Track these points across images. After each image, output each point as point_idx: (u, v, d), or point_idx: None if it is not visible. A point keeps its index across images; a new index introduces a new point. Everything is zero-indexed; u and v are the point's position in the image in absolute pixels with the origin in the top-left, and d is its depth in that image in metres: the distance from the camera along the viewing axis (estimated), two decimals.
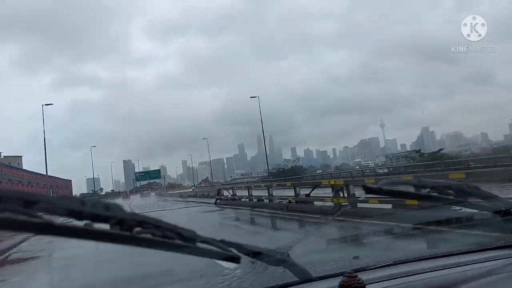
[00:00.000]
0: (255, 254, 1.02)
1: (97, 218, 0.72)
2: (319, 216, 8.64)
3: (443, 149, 52.24)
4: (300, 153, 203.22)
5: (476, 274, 1.02)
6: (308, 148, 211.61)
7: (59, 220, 0.69)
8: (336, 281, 0.96)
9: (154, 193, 76.25)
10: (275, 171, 74.22)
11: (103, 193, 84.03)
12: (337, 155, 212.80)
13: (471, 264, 1.11)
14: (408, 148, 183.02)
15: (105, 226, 0.71)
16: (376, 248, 2.55)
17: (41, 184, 28.76)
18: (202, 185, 68.29)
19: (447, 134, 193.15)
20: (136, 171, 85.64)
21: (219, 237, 0.95)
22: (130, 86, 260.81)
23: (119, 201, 41.47)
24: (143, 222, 0.77)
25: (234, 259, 0.94)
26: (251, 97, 53.13)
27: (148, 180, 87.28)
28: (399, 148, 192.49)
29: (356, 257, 1.19)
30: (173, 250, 0.86)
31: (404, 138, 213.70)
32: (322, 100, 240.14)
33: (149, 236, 0.77)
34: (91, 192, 75.11)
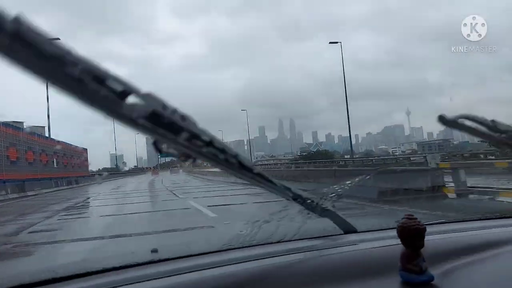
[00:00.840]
0: (303, 199, 1.02)
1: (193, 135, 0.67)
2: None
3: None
4: (322, 137, 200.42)
5: None
6: (330, 133, 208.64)
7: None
8: (387, 232, 1.00)
9: (181, 170, 76.27)
10: (304, 153, 71.81)
11: (126, 168, 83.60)
12: (360, 141, 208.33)
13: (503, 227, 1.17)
14: (435, 136, 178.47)
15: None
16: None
17: (60, 152, 28.65)
18: None
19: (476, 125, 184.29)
20: None
21: None
22: (154, 64, 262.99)
23: (146, 177, 42.11)
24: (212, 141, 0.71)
25: (287, 197, 0.96)
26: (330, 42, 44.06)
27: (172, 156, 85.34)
28: (425, 136, 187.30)
29: (397, 221, 1.04)
30: (227, 168, 0.81)
31: (431, 127, 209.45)
32: (347, 85, 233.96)
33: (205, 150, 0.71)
34: (114, 167, 74.67)
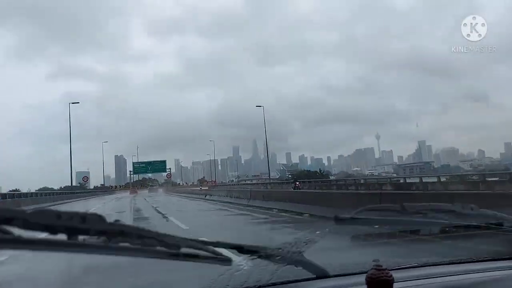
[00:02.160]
0: (261, 254, 1.00)
1: (74, 231, 0.73)
2: None
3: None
4: (295, 159, 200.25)
5: (493, 281, 1.05)
6: (303, 154, 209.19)
7: (41, 235, 0.71)
8: (357, 278, 0.97)
9: (161, 189, 68.31)
10: (294, 173, 68.42)
11: (91, 186, 74.89)
12: (332, 163, 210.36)
13: (490, 271, 1.13)
14: (405, 159, 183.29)
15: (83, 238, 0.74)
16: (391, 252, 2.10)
17: None
18: (208, 184, 62.18)
19: (442, 149, 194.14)
20: (134, 161, 73.64)
21: None
22: (126, 82, 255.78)
23: (121, 200, 33.11)
24: (123, 231, 0.78)
25: (225, 261, 0.93)
26: (257, 106, 50.25)
27: (149, 173, 74.28)
28: (395, 160, 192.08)
29: (375, 260, 1.09)
30: (155, 257, 0.87)
31: (400, 151, 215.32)
32: (318, 109, 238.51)
33: (127, 245, 0.79)
34: (77, 185, 67.06)
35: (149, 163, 72.58)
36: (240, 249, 0.97)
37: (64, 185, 60.84)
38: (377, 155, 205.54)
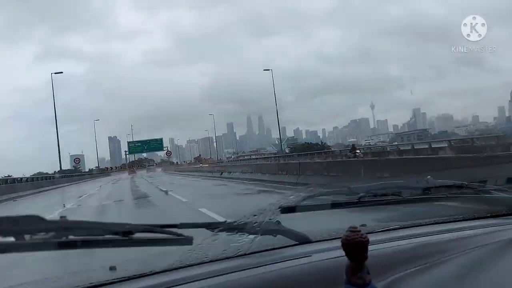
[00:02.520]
0: (234, 225, 1.02)
1: (7, 234, 0.77)
2: None
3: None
4: (290, 133, 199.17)
5: (469, 242, 1.07)
6: (298, 127, 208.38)
7: None
8: (337, 242, 0.95)
9: (160, 169, 65.73)
10: (291, 147, 67.26)
11: (86, 169, 72.61)
12: (327, 135, 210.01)
13: (467, 230, 1.16)
14: (400, 128, 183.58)
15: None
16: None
17: None
18: (208, 162, 61.36)
19: (436, 116, 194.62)
20: (129, 141, 69.68)
21: None
22: (115, 61, 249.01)
23: (120, 182, 30.87)
24: (66, 226, 0.82)
25: (186, 241, 0.93)
26: (264, 70, 48.32)
27: (146, 152, 72.87)
28: (391, 129, 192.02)
29: (362, 225, 1.16)
30: (106, 246, 0.88)
31: (395, 119, 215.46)
32: (312, 80, 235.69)
33: (74, 237, 0.83)
34: (72, 168, 65.22)
35: (145, 142, 69.07)
36: (209, 226, 0.99)
37: (58, 169, 59.09)
38: (372, 125, 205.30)
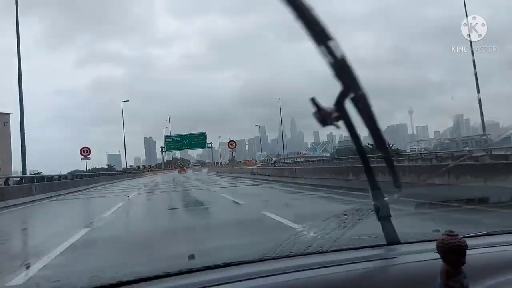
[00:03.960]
0: (324, 220, 1.09)
1: None
2: None
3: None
4: (323, 137, 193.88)
5: None
6: (331, 132, 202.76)
7: None
8: (427, 245, 0.97)
9: (206, 170, 60.89)
10: (341, 150, 61.97)
11: (119, 168, 68.61)
12: (362, 140, 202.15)
13: None
14: (441, 135, 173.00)
15: None
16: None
17: None
18: (252, 163, 57.44)
19: (480, 122, 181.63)
20: (166, 135, 59.74)
21: None
22: (153, 65, 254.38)
23: (146, 181, 29.23)
24: None
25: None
26: (274, 98, 49.77)
27: (185, 148, 60.87)
28: (431, 135, 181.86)
29: (435, 230, 1.13)
30: None
31: (435, 125, 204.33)
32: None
33: None
34: (106, 166, 63.70)
35: (185, 136, 57.30)
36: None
37: (92, 167, 57.60)
38: (410, 131, 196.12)
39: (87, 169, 29.79)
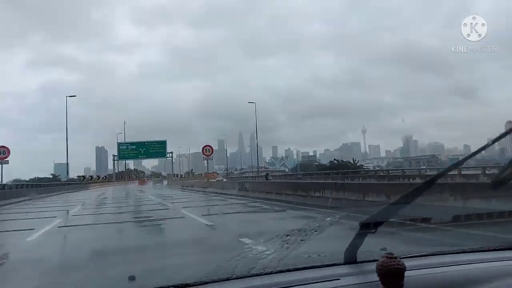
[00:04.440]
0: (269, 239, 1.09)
1: None
2: None
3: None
4: (281, 152, 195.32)
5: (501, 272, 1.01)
6: (289, 148, 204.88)
7: None
8: (367, 266, 0.97)
9: (166, 182, 52.97)
10: (317, 165, 59.64)
11: (64, 178, 60.63)
12: (317, 156, 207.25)
13: (503, 261, 1.09)
14: (392, 154, 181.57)
15: None
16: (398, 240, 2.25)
17: None
18: (214, 176, 53.11)
19: (427, 144, 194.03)
20: (120, 141, 52.49)
21: None
22: (109, 72, 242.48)
23: (92, 195, 23.02)
24: None
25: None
26: (249, 102, 46.49)
27: (142, 157, 52.64)
28: (383, 154, 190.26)
29: (383, 249, 1.12)
30: None
31: (387, 145, 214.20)
32: (305, 102, 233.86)
33: None
34: (50, 176, 57.24)
35: (142, 144, 50.53)
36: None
37: (34, 176, 50.82)
38: (363, 150, 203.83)
39: (29, 179, 25.22)
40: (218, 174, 65.61)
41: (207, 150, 27.60)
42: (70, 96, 36.52)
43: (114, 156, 53.47)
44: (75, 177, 56.91)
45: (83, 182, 51.92)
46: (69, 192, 29.80)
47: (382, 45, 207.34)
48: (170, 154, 54.31)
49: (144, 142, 51.54)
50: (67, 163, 38.35)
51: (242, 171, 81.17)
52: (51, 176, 55.06)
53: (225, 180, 37.03)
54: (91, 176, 66.90)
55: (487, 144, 1.01)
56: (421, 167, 50.53)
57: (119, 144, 51.56)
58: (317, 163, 61.53)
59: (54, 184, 34.56)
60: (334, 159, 61.72)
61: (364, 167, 55.96)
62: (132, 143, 51.68)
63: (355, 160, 56.78)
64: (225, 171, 75.10)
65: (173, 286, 0.92)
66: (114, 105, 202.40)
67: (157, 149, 50.51)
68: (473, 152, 1.07)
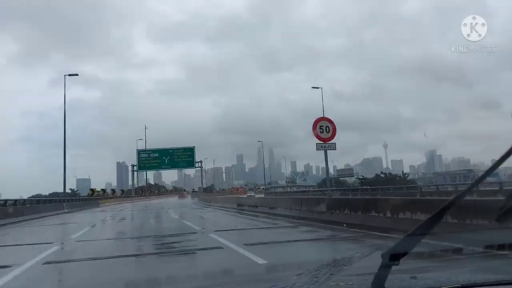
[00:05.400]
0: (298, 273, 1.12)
1: None
2: None
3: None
4: (300, 167, 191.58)
5: None
6: (308, 163, 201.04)
7: None
8: None
9: (194, 198, 46.17)
10: (361, 180, 55.03)
11: (83, 193, 52.97)
12: (337, 172, 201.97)
13: None
14: (417, 169, 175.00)
15: None
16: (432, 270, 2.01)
17: None
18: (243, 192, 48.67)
19: (452, 158, 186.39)
20: (140, 149, 47.07)
21: None
22: (128, 89, 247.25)
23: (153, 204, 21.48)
24: None
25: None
26: (312, 87, 38.96)
27: (166, 168, 45.78)
28: (406, 169, 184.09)
29: (413, 277, 1.17)
30: None
31: (409, 160, 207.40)
32: (324, 115, 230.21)
33: None
34: (69, 191, 53.82)
35: (166, 151, 44.31)
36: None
37: (53, 191, 47.86)
38: (384, 165, 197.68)
39: (48, 193, 20.79)
40: (244, 189, 62.00)
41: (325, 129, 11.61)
42: (70, 75, 29.69)
43: (133, 166, 47.41)
44: (94, 193, 49.30)
45: (93, 197, 41.67)
46: (63, 214, 21.18)
47: (399, 57, 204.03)
48: (200, 163, 47.70)
49: (169, 149, 44.86)
50: (64, 175, 28.34)
51: (271, 185, 77.33)
52: (69, 191, 52.86)
53: (262, 196, 33.46)
54: (103, 189, 53.74)
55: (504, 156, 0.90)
56: (459, 182, 46.32)
57: (139, 152, 45.31)
58: (361, 178, 56.73)
59: (36, 201, 22.46)
60: (381, 172, 57.56)
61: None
62: (154, 151, 45.29)
63: (405, 174, 52.12)
64: (265, 186, 68.97)
65: None
66: (133, 121, 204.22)
67: (184, 157, 44.31)
68: (491, 167, 1.00)
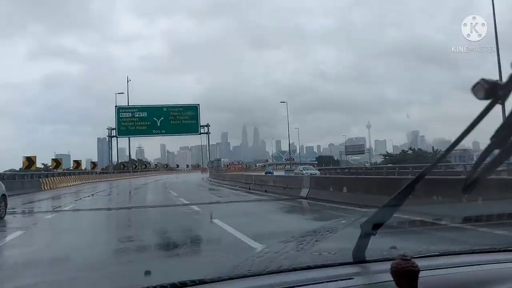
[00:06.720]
0: (283, 241, 1.13)
1: None
2: None
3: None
4: (285, 147, 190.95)
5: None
6: (293, 142, 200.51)
7: None
8: (380, 265, 1.00)
9: (206, 173, 34.22)
10: (385, 156, 50.19)
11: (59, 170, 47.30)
12: (321, 151, 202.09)
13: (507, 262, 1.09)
14: (399, 149, 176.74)
15: None
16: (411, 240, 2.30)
17: None
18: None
19: (433, 139, 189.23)
20: (119, 105, 32.66)
21: None
22: (111, 64, 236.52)
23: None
24: None
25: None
26: (281, 102, 37.23)
27: (159, 133, 31.80)
28: (390, 149, 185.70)
29: (392, 247, 1.19)
30: None
31: (393, 141, 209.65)
32: (308, 96, 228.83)
33: None
34: (41, 166, 40.73)
35: (159, 109, 30.46)
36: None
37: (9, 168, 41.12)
38: (368, 145, 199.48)
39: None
40: (235, 166, 58.31)
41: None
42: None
43: (110, 131, 33.05)
44: (71, 167, 38.80)
45: (48, 172, 27.25)
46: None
47: (385, 39, 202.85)
48: (206, 128, 33.79)
49: (162, 107, 30.59)
50: None
51: (268, 163, 74.19)
52: (42, 166, 47.90)
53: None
54: (76, 161, 36.24)
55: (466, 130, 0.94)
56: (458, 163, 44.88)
57: (118, 110, 31.04)
58: (386, 154, 53.10)
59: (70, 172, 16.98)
60: (410, 148, 54.83)
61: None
62: (141, 108, 31.12)
63: (436, 150, 48.33)
64: (290, 165, 56.53)
65: (191, 281, 0.94)
66: (114, 97, 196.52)
67: (184, 119, 30.44)
68: (454, 141, 0.99)
